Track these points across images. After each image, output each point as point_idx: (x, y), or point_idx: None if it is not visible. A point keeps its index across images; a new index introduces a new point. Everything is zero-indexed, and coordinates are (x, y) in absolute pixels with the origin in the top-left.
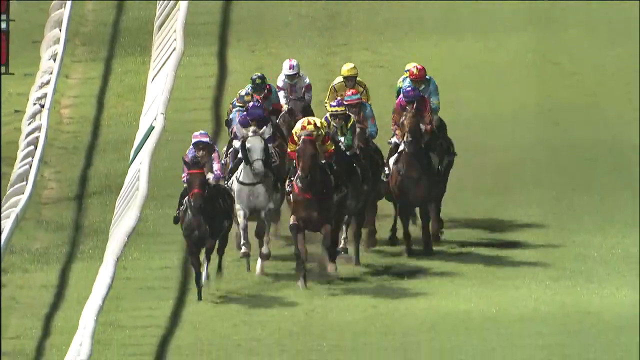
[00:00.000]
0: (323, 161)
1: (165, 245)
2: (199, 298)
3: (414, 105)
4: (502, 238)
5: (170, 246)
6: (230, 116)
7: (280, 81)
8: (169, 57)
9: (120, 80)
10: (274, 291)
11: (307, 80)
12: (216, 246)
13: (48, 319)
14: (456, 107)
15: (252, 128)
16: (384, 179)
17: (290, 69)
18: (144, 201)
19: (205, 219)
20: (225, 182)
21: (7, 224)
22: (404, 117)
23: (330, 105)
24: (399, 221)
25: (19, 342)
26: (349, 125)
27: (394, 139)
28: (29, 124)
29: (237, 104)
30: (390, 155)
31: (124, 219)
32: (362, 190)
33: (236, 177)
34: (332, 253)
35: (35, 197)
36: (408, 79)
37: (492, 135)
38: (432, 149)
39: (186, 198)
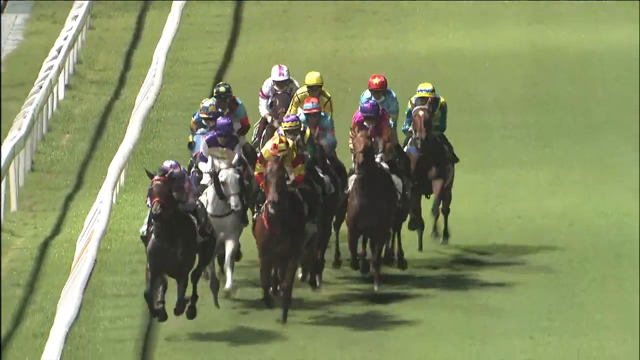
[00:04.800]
0: (291, 189)
1: None
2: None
3: (370, 125)
4: None
5: None
6: (194, 138)
7: (265, 87)
8: None
9: None
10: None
11: (298, 85)
12: (191, 270)
13: (128, 55)
14: None
15: (222, 150)
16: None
17: (280, 75)
18: None
19: (172, 241)
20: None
21: None
22: (355, 138)
23: (285, 121)
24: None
25: (105, 73)
26: (306, 139)
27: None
28: None
29: (201, 115)
30: (351, 174)
31: None
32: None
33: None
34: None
35: None
36: (367, 91)
37: None
38: (395, 170)
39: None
